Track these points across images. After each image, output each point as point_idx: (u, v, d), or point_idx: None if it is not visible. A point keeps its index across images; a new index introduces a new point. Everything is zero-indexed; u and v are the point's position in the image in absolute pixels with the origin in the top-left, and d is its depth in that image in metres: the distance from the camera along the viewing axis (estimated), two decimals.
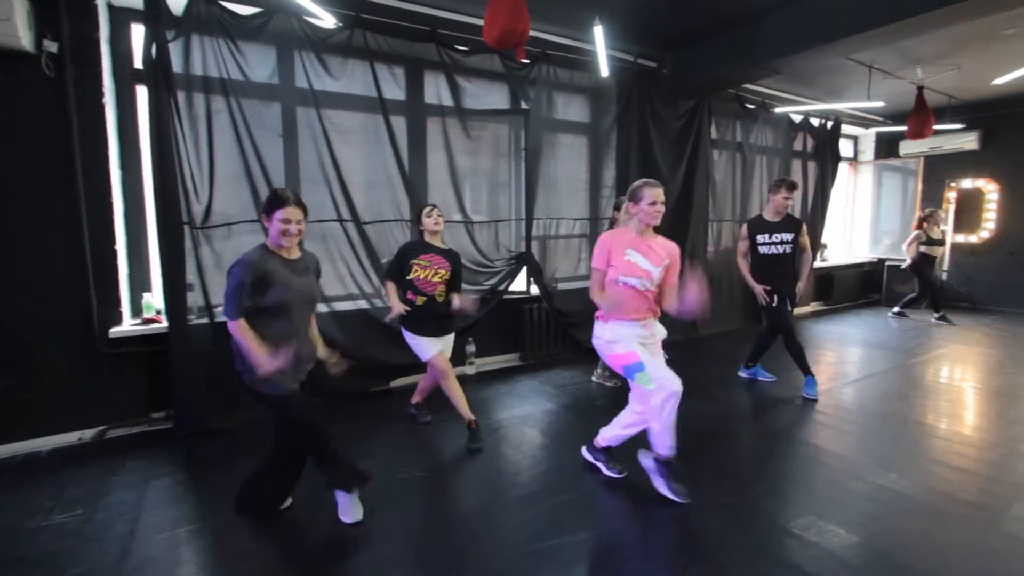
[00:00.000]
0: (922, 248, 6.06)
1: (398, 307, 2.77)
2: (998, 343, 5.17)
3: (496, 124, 4.41)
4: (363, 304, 3.69)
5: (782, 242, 3.56)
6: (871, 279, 7.87)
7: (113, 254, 3.01)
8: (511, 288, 4.37)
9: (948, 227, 7.19)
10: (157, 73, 2.87)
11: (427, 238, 2.92)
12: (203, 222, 3.13)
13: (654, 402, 2.13)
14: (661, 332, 2.41)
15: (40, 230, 2.79)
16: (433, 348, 2.84)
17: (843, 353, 4.87)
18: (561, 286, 4.66)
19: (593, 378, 4.04)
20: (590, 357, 4.64)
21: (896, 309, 6.50)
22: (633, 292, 2.25)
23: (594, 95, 4.76)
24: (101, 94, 2.90)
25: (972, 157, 6.89)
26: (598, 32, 3.32)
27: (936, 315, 6.13)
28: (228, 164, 3.18)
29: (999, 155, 6.72)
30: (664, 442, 2.21)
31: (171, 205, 2.97)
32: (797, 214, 6.61)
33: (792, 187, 3.54)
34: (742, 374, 4.08)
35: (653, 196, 2.24)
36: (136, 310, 3.21)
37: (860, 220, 8.30)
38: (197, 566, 1.90)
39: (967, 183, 7.06)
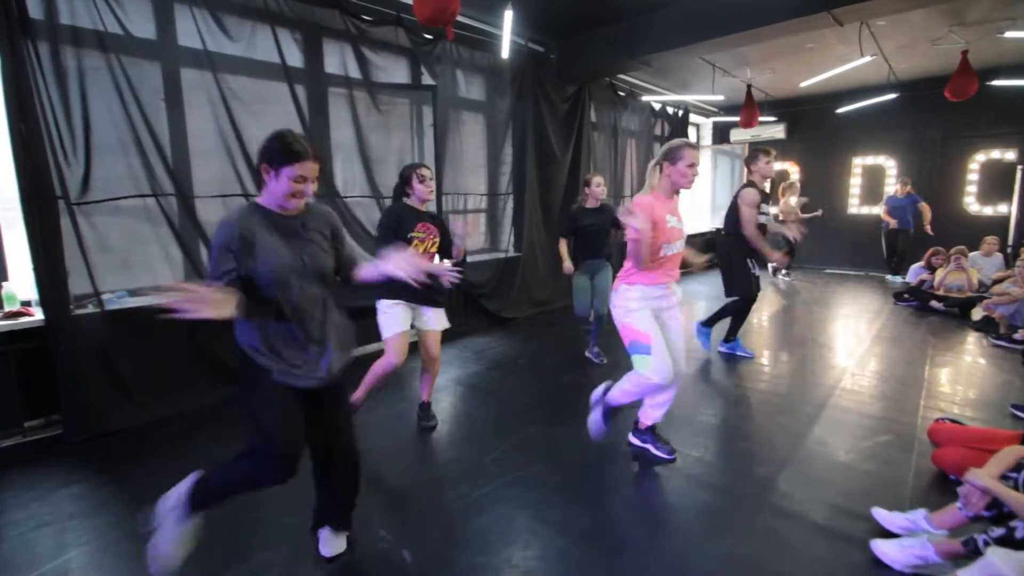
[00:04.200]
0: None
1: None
2: (803, 289, 6.67)
3: (400, 99, 4.39)
4: None
5: (767, 213, 3.67)
6: (711, 246, 9.38)
7: None
8: None
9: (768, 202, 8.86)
10: (9, 17, 2.40)
11: (414, 203, 2.55)
12: (80, 196, 2.71)
13: (648, 384, 2.13)
14: (679, 295, 2.34)
15: None
16: (400, 324, 2.49)
17: (694, 308, 5.88)
18: (470, 259, 4.86)
19: (586, 352, 3.87)
20: (502, 325, 4.99)
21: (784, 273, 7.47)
22: (673, 257, 2.21)
23: (492, 75, 4.97)
24: None
25: (781, 144, 8.56)
26: (507, 16, 3.53)
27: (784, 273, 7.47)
28: (110, 130, 2.78)
29: (799, 143, 8.45)
30: (653, 412, 2.30)
31: (39, 176, 2.53)
32: None
33: (769, 152, 3.58)
34: (721, 349, 3.94)
35: (692, 158, 2.12)
36: None
37: (700, 197, 9.81)
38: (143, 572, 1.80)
39: (777, 165, 8.77)
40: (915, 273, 5.86)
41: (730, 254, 3.69)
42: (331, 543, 1.75)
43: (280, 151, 1.43)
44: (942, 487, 2.12)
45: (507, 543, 1.85)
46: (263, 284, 1.46)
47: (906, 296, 5.65)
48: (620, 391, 2.26)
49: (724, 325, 3.92)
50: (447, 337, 4.46)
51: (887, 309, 5.49)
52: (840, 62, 5.41)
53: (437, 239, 2.58)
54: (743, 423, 2.88)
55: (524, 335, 4.68)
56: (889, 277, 7.15)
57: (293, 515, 1.90)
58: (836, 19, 3.81)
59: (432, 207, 2.88)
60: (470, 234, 2.65)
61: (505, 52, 4.01)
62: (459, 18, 4.41)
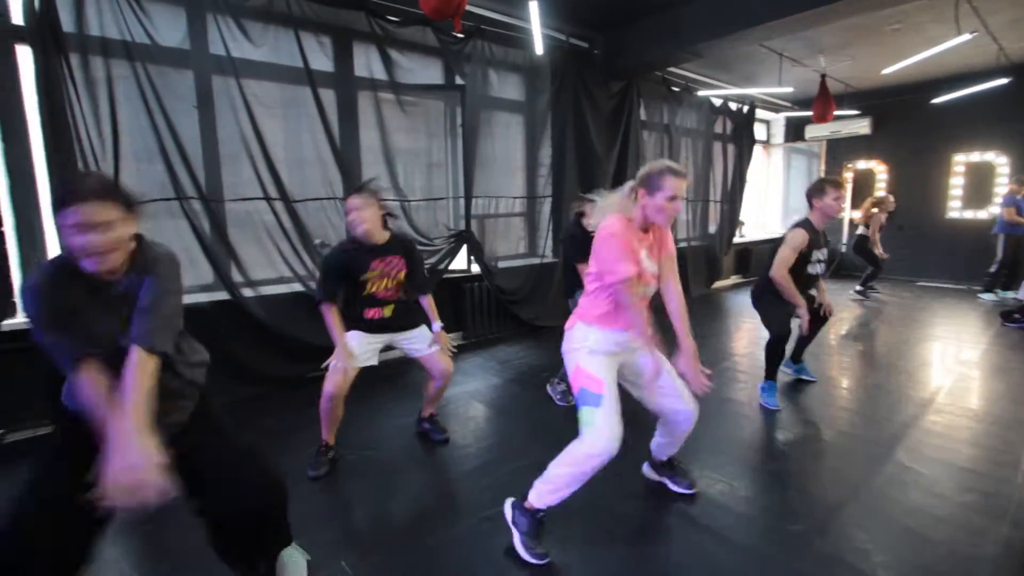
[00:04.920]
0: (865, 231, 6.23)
1: (343, 352, 2.18)
2: (889, 305, 5.84)
3: (431, 100, 4.32)
4: (296, 287, 3.52)
5: (822, 260, 3.04)
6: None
7: (0, 236, 2.66)
8: (452, 267, 4.34)
9: (847, 205, 7.97)
10: (43, 30, 2.54)
11: (363, 235, 2.26)
12: None
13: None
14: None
15: None
16: (361, 351, 2.30)
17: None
18: (502, 264, 4.69)
19: (548, 388, 3.26)
20: (533, 334, 4.76)
21: (858, 288, 6.44)
22: (643, 301, 1.82)
23: (529, 73, 4.78)
24: None
25: (865, 141, 7.64)
26: (533, 8, 3.33)
27: (859, 288, 6.48)
28: (137, 137, 2.89)
29: (887, 140, 7.50)
30: (668, 450, 2.08)
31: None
32: (718, 195, 7.07)
33: (839, 186, 2.91)
34: (786, 369, 3.46)
35: (675, 189, 1.70)
36: None
37: (772, 199, 9.01)
38: (131, 563, 1.77)
39: (861, 164, 7.85)
40: None
41: (762, 291, 3.14)
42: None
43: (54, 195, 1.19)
44: None
45: None
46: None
47: (1017, 316, 4.77)
48: (550, 483, 1.75)
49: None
50: (475, 346, 4.39)
51: (992, 331, 4.65)
52: (932, 44, 4.66)
53: (401, 272, 2.34)
54: (786, 463, 2.46)
55: (556, 345, 4.37)
56: (989, 296, 6.06)
57: None
58: None
59: (404, 227, 2.65)
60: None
61: (538, 48, 3.79)
62: (492, 15, 4.28)
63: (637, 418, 2.04)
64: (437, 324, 2.47)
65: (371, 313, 2.33)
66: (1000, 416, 2.84)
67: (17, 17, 2.63)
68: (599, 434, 1.66)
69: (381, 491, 2.25)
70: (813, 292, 3.16)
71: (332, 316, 2.26)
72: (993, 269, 5.99)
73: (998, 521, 1.91)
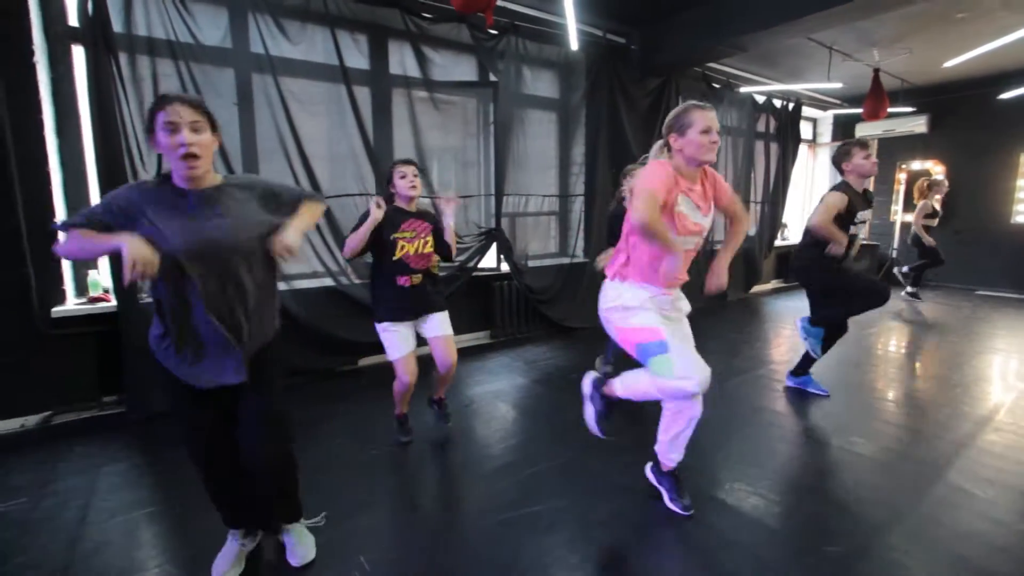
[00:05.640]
0: (923, 220, 5.97)
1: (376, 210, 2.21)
2: (943, 315, 5.48)
3: (464, 98, 4.31)
4: (328, 282, 3.58)
5: (864, 221, 2.93)
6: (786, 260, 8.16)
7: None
8: (481, 265, 4.32)
9: (899, 207, 7.53)
10: (95, 31, 2.66)
11: (400, 203, 2.38)
12: None
13: (668, 404, 1.77)
14: (686, 307, 1.94)
15: None
16: (406, 344, 2.37)
17: None
18: (531, 263, 4.64)
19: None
20: (561, 334, 4.70)
21: (908, 290, 6.22)
22: (685, 254, 1.77)
23: (563, 70, 4.71)
24: (31, 52, 2.66)
25: (920, 140, 7.20)
26: (568, 3, 3.26)
27: (909, 290, 6.20)
28: None
29: (945, 138, 7.04)
30: (671, 454, 1.93)
31: (116, 175, 2.78)
32: (759, 196, 6.80)
33: (866, 145, 2.88)
34: (789, 383, 3.32)
35: (706, 121, 1.66)
36: (81, 289, 3.01)
37: (817, 200, 8.60)
38: (156, 548, 1.82)
39: (916, 165, 7.39)
40: None
41: (808, 269, 3.02)
42: (294, 550, 1.71)
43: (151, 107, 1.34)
44: None
45: None
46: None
47: None
48: (631, 388, 1.82)
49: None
50: (502, 345, 4.36)
51: None
52: (1003, 33, 4.31)
53: (429, 237, 2.38)
54: (824, 479, 2.31)
55: (585, 346, 4.33)
56: None
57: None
58: None
59: (425, 204, 2.63)
60: (459, 209, 2.41)
61: (573, 43, 3.73)
62: (526, 10, 4.24)
63: (645, 411, 1.96)
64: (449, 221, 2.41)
65: (402, 280, 2.35)
66: None
67: (73, 19, 2.77)
68: (681, 371, 1.63)
69: (402, 488, 2.25)
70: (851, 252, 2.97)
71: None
72: None
73: None
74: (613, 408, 1.97)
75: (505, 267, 4.49)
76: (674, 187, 1.68)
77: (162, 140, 1.32)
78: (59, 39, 2.81)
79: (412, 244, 2.33)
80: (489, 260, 4.43)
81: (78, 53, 2.79)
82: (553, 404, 3.13)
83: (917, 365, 3.92)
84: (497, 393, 3.30)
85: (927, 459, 2.39)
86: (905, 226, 7.52)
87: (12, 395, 2.74)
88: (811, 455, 2.51)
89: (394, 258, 2.31)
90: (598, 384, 2.00)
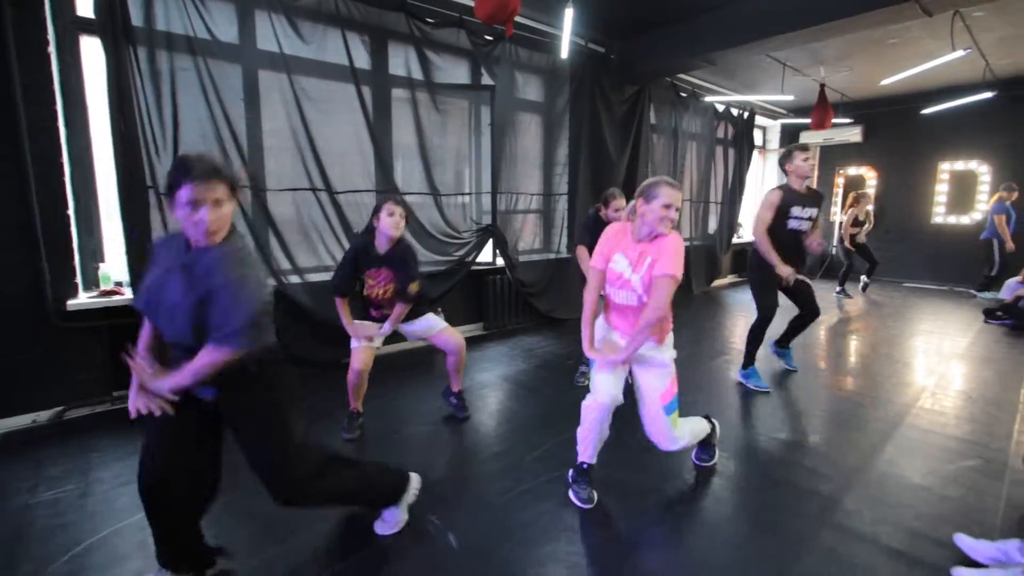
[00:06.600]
0: (851, 229, 6.57)
1: (360, 328, 2.51)
2: (878, 304, 6.19)
3: (457, 100, 4.49)
4: None
5: (809, 218, 3.17)
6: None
7: (66, 220, 2.77)
8: (477, 260, 4.52)
9: (837, 208, 8.33)
10: (115, 25, 2.66)
11: (379, 240, 2.48)
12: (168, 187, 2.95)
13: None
14: (659, 362, 2.00)
15: None
16: (366, 331, 2.54)
17: None
18: (522, 258, 4.88)
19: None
20: (552, 325, 4.97)
21: (838, 288, 6.69)
22: (620, 307, 2.00)
23: (549, 76, 4.98)
24: (46, 42, 2.63)
25: (856, 148, 8.02)
26: (568, 15, 3.53)
27: (838, 289, 6.86)
28: (194, 126, 3.02)
29: (877, 147, 7.89)
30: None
31: (135, 168, 2.79)
32: (718, 198, 7.35)
33: (806, 148, 3.18)
34: (738, 379, 3.47)
35: (668, 198, 1.83)
36: (90, 282, 2.97)
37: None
38: (220, 528, 1.92)
39: (852, 170, 8.22)
40: (1011, 289, 5.31)
41: (751, 268, 3.41)
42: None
43: (168, 175, 1.31)
44: None
45: (551, 538, 1.82)
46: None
47: (999, 314, 5.12)
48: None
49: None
50: (496, 336, 4.57)
51: (976, 327, 4.99)
52: (928, 58, 4.99)
53: (390, 286, 2.52)
54: (805, 438, 2.70)
55: (574, 336, 4.61)
56: (983, 294, 6.45)
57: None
58: (924, 9, 3.53)
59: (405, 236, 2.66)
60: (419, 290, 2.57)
61: (565, 52, 4.00)
62: (519, 19, 4.47)
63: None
64: (387, 326, 2.57)
65: (374, 313, 2.62)
66: (991, 397, 3.14)
67: (82, 9, 2.75)
68: (594, 392, 1.99)
69: (445, 461, 2.43)
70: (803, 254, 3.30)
71: (342, 307, 2.54)
72: (994, 272, 6.30)
73: (998, 481, 2.18)
74: (584, 474, 2.08)
75: (500, 262, 4.70)
76: (614, 244, 1.99)
77: (181, 213, 1.29)
78: (67, 30, 2.78)
79: (375, 289, 2.55)
80: (482, 255, 4.64)
81: (85, 44, 2.78)
82: (557, 385, 3.38)
83: (862, 345, 4.48)
84: (505, 376, 3.53)
85: (884, 418, 2.84)
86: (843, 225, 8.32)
87: (24, 391, 2.69)
88: (784, 431, 2.89)
89: (364, 293, 2.57)
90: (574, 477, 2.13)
